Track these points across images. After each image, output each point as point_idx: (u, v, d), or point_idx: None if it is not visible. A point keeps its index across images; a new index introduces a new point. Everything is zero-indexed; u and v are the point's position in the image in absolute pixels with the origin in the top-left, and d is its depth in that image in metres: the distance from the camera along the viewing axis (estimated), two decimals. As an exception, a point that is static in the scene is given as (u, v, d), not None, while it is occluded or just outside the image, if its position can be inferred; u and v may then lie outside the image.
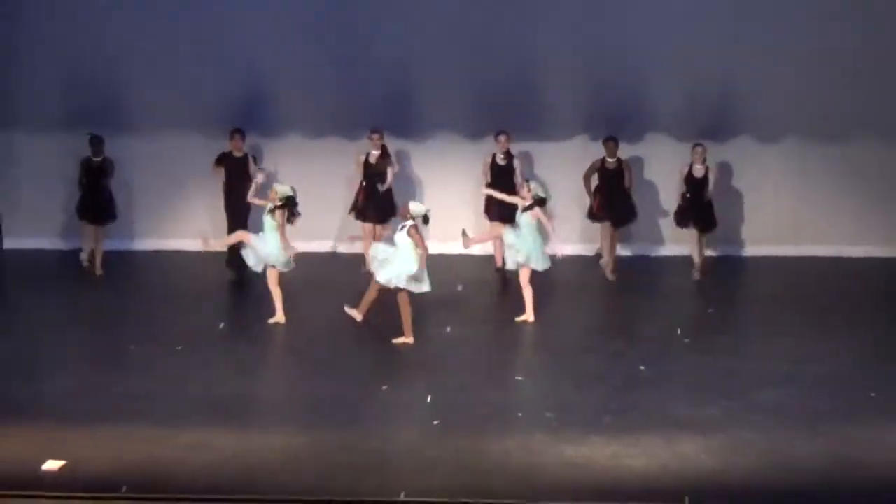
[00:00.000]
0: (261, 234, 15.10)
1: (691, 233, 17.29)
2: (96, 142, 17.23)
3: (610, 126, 17.76)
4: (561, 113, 18.28)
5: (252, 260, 15.12)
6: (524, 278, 15.22)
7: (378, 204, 17.25)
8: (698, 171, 17.15)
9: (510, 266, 15.41)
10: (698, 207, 17.20)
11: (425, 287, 14.45)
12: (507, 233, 15.37)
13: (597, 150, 17.56)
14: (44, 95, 18.28)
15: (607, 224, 17.32)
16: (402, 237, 14.36)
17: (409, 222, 14.40)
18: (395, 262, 14.34)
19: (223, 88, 18.23)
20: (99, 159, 17.25)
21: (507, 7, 17.95)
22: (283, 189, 15.10)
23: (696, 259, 17.23)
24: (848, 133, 18.17)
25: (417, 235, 14.32)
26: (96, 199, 17.30)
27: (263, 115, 18.35)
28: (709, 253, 17.59)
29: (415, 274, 14.26)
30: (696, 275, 17.15)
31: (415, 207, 14.54)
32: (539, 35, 17.98)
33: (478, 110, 18.14)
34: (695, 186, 17.17)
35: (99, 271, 17.21)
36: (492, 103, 18.00)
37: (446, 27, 17.99)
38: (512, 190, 16.41)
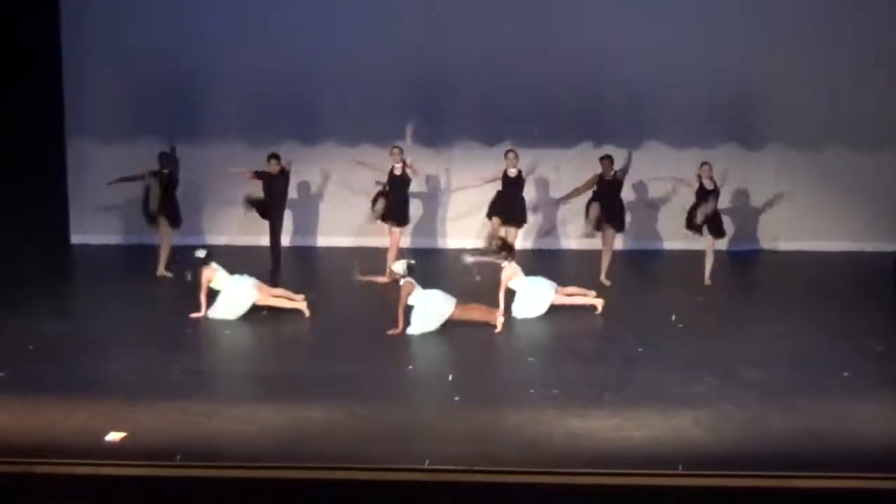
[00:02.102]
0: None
1: (706, 238, 16.74)
2: (164, 157, 16.65)
3: (613, 134, 17.77)
4: (567, 122, 18.28)
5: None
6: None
7: (394, 209, 16.93)
8: (707, 184, 16.64)
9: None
10: (710, 218, 16.63)
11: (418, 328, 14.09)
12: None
13: (597, 154, 17.22)
14: (111, 109, 18.29)
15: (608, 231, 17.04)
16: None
17: (402, 282, 14.04)
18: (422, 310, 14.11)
19: (269, 104, 18.34)
20: (166, 171, 16.63)
21: (518, 34, 17.98)
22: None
23: (708, 265, 16.57)
24: (821, 141, 18.09)
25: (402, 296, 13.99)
26: (164, 207, 16.69)
27: (304, 126, 18.39)
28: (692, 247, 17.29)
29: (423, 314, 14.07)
30: (707, 280, 16.55)
31: (397, 268, 14.16)
32: (549, 56, 18.00)
33: (492, 121, 18.14)
34: (705, 199, 16.71)
35: (161, 272, 16.64)
36: (505, 115, 18.04)
37: (465, 51, 18.08)
38: (517, 200, 16.84)
